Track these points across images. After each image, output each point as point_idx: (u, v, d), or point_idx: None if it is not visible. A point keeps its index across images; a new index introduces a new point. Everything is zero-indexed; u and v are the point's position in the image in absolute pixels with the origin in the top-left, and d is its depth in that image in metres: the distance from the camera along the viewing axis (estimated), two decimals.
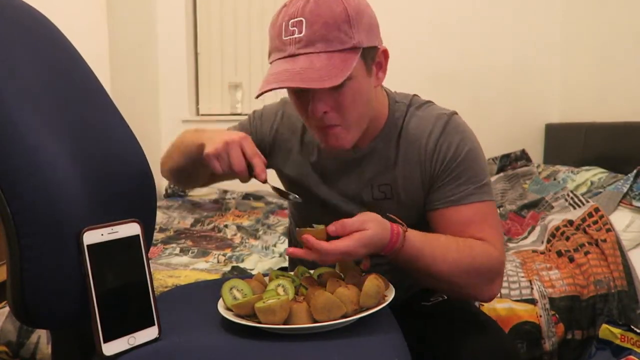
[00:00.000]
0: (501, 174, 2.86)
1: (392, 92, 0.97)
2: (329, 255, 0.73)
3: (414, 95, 0.97)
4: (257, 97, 0.79)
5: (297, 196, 0.85)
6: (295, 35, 0.77)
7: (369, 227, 0.74)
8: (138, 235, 0.70)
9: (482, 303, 1.37)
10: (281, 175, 1.06)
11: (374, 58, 0.84)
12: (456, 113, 0.94)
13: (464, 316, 0.91)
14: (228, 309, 0.76)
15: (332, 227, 0.75)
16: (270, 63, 0.82)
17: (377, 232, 0.75)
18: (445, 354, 0.81)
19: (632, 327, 1.28)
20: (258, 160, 0.80)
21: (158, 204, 0.94)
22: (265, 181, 0.81)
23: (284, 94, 0.93)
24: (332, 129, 0.84)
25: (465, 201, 0.87)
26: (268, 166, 0.99)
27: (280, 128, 1.03)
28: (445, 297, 1.01)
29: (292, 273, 0.87)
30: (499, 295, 1.44)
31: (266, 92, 0.78)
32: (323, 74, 0.75)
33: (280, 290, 0.78)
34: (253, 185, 1.84)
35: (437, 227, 0.90)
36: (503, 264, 0.87)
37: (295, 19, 0.77)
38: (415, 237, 0.80)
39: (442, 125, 0.90)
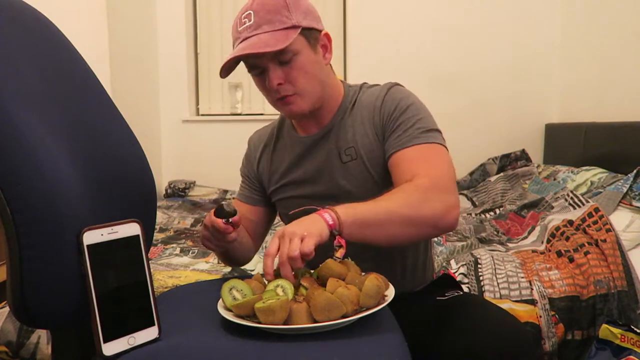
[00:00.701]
0: (501, 174, 2.86)
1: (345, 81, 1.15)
2: (271, 249, 0.78)
3: (364, 82, 1.13)
4: (221, 73, 0.96)
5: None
6: (247, 24, 0.95)
7: (276, 234, 0.80)
8: (138, 235, 0.70)
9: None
10: (279, 185, 1.14)
11: (317, 39, 1.00)
12: (399, 84, 1.08)
13: (480, 309, 0.91)
14: (228, 309, 0.76)
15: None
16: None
17: (299, 220, 0.81)
18: (465, 346, 0.81)
19: (632, 327, 1.28)
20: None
21: (158, 204, 0.94)
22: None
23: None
24: (289, 98, 0.98)
25: (410, 143, 0.97)
26: (271, 190, 1.15)
27: (254, 155, 1.19)
28: (461, 292, 1.03)
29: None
30: (498, 295, 1.45)
31: (226, 64, 0.95)
32: (268, 43, 0.92)
33: (279, 291, 0.78)
34: None
35: (393, 176, 0.98)
36: (438, 183, 0.91)
37: (246, 12, 0.96)
38: (345, 206, 0.84)
39: (387, 88, 1.05)
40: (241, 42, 0.95)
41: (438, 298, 1.00)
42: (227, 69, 0.98)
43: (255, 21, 0.94)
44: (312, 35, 0.98)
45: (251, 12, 0.95)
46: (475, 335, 0.81)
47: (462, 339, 0.82)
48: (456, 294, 1.02)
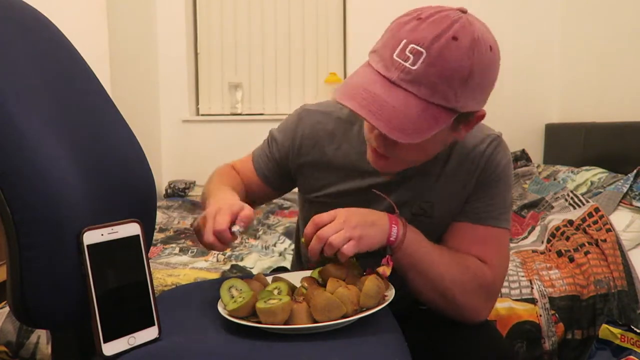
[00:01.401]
0: None
1: None
2: (317, 222, 0.74)
3: None
4: (338, 102, 0.72)
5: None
6: (407, 65, 0.69)
7: (339, 210, 0.75)
8: (138, 235, 0.70)
9: None
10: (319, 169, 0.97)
11: (468, 120, 0.78)
12: (501, 134, 0.93)
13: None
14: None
15: (308, 228, 0.76)
16: (369, 63, 0.75)
17: (354, 209, 0.76)
18: (442, 355, 0.81)
19: (632, 327, 1.28)
20: (243, 215, 0.76)
21: (158, 204, 0.94)
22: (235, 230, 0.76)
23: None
24: (384, 158, 0.81)
25: (484, 222, 0.87)
26: (297, 171, 0.99)
27: (302, 142, 0.98)
28: None
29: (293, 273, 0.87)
30: (499, 295, 1.45)
31: (347, 106, 0.71)
32: (407, 125, 0.69)
33: (276, 292, 0.78)
34: None
35: (453, 237, 0.88)
36: (496, 286, 0.86)
37: (417, 47, 0.68)
38: (414, 230, 0.80)
39: (495, 145, 0.89)
40: (383, 77, 0.71)
41: (420, 307, 0.97)
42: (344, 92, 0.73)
43: (417, 70, 0.68)
44: (465, 117, 0.76)
45: (423, 52, 0.68)
46: (457, 344, 0.81)
47: (441, 347, 0.82)
48: None
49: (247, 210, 0.76)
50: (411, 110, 0.69)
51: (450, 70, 0.68)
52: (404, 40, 0.69)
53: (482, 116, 0.79)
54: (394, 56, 0.70)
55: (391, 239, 0.78)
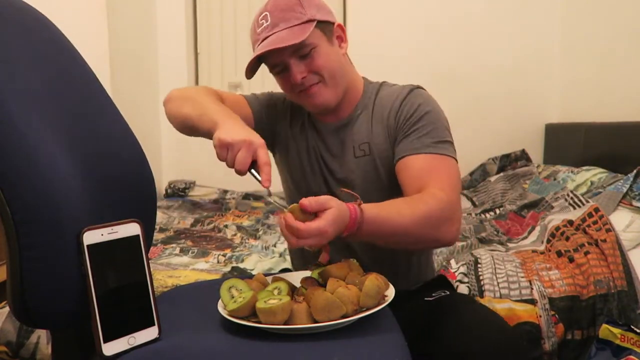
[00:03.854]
0: (501, 174, 2.86)
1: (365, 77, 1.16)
2: (303, 234, 0.75)
3: (384, 81, 1.15)
4: (247, 74, 1.00)
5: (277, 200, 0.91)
6: (264, 25, 0.98)
7: (331, 204, 0.78)
8: (138, 235, 0.70)
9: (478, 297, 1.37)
10: (283, 158, 1.17)
11: (332, 31, 1.04)
12: (421, 87, 1.09)
13: (467, 310, 0.92)
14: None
15: (306, 201, 0.77)
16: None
17: (340, 208, 0.79)
18: (451, 347, 0.81)
19: (632, 327, 1.28)
20: (268, 169, 0.85)
21: (158, 204, 0.94)
22: (268, 188, 0.86)
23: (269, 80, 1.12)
24: (313, 88, 1.00)
25: (422, 151, 0.98)
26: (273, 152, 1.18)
27: (276, 109, 1.18)
28: (448, 293, 1.04)
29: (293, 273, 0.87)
30: (498, 294, 1.45)
31: (249, 66, 0.99)
32: (286, 39, 0.95)
33: (276, 292, 0.78)
34: (253, 186, 1.84)
35: (399, 178, 1.00)
36: (454, 205, 0.94)
37: (262, 14, 0.99)
38: (370, 206, 0.84)
39: (407, 91, 1.06)
40: (261, 42, 0.98)
41: (426, 299, 1.01)
42: (251, 70, 1.01)
43: (271, 21, 0.98)
44: (327, 27, 1.02)
45: (267, 13, 0.98)
46: (461, 335, 0.82)
47: (448, 339, 0.83)
48: (443, 294, 1.03)
49: (265, 155, 0.85)
50: (282, 34, 0.96)
51: (285, 6, 0.98)
52: (255, 22, 1.01)
53: (341, 26, 1.07)
54: (257, 30, 1.00)
55: (343, 235, 0.81)
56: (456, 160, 1.01)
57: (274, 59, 1.00)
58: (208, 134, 0.93)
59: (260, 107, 1.15)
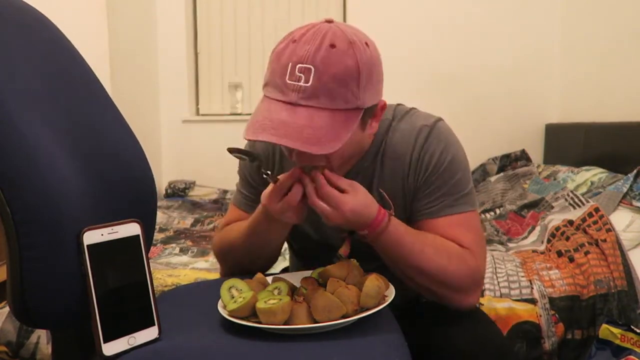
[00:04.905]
0: (501, 174, 2.86)
1: None
2: (323, 193, 0.74)
3: (397, 105, 0.96)
4: (250, 140, 0.82)
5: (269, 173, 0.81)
6: (301, 83, 0.73)
7: (359, 189, 0.76)
8: (138, 235, 0.70)
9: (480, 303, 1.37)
10: None
11: (373, 113, 0.82)
12: (440, 119, 0.92)
13: (455, 311, 0.91)
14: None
15: (333, 175, 0.76)
16: (265, 96, 0.78)
17: (371, 201, 0.77)
18: (437, 345, 0.82)
19: (632, 327, 1.28)
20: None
21: (158, 204, 0.94)
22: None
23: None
24: (315, 170, 0.81)
25: (442, 213, 0.87)
26: None
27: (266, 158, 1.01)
28: None
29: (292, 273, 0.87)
30: (499, 294, 1.45)
31: (260, 140, 0.74)
32: (322, 136, 0.72)
33: (276, 293, 0.78)
34: None
35: None
36: (481, 273, 0.87)
37: (304, 65, 0.73)
38: (399, 224, 0.82)
39: (424, 137, 0.89)
40: (285, 102, 0.74)
41: (424, 301, 0.99)
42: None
43: (312, 86, 0.72)
44: (370, 111, 0.80)
45: (311, 68, 0.72)
46: (459, 335, 0.81)
47: (436, 338, 0.83)
48: None
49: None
50: (319, 121, 0.73)
51: (339, 74, 0.73)
52: (290, 63, 0.73)
53: (384, 106, 0.83)
54: (287, 80, 0.73)
55: (360, 232, 0.80)
56: (477, 210, 0.90)
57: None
58: (270, 227, 0.87)
59: (249, 201, 1.01)
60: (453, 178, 0.87)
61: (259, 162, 0.83)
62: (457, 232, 0.86)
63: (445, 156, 0.87)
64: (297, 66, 0.73)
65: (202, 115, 3.57)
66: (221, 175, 3.31)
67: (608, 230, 1.59)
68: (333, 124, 0.73)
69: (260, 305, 0.70)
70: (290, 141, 0.72)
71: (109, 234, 0.67)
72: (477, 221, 0.90)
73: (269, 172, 0.78)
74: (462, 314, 0.87)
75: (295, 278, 0.85)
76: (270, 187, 0.80)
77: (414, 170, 0.89)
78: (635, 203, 1.79)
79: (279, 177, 0.80)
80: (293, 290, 0.79)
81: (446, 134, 0.90)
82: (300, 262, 1.12)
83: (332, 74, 0.72)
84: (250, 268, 0.93)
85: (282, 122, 0.73)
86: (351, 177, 0.88)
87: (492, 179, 2.86)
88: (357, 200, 0.76)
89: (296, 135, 0.72)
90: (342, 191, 0.78)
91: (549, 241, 1.75)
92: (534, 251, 1.74)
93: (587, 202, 1.85)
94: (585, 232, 1.65)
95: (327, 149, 0.72)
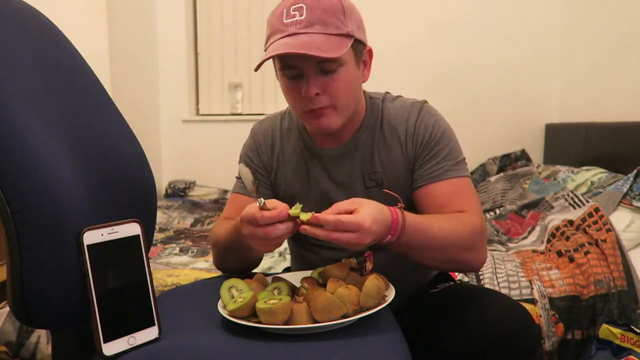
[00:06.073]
0: (501, 174, 2.86)
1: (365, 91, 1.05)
2: (340, 225, 0.71)
3: (385, 92, 1.06)
4: (258, 67, 0.86)
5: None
6: (297, 18, 0.85)
7: (363, 202, 0.75)
8: (138, 235, 0.70)
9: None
10: (283, 189, 1.05)
11: (362, 53, 0.93)
12: (427, 101, 1.01)
13: (474, 292, 0.92)
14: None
15: (323, 214, 0.73)
16: (268, 45, 0.88)
17: (378, 206, 0.76)
18: (459, 327, 0.82)
19: (632, 327, 1.28)
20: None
21: (158, 204, 0.94)
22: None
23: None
24: (322, 110, 0.90)
25: (444, 176, 0.94)
26: (273, 183, 1.06)
27: (264, 146, 1.06)
28: (452, 283, 1.04)
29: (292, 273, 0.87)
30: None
31: (269, 58, 0.85)
32: (322, 47, 0.83)
33: (276, 293, 0.78)
34: None
35: (422, 205, 0.95)
36: (484, 232, 0.92)
37: (297, 5, 0.86)
38: (410, 214, 0.83)
39: (417, 111, 0.98)
40: (286, 36, 0.85)
41: (431, 291, 1.00)
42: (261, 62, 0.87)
43: (307, 17, 0.84)
44: (359, 48, 0.91)
45: (303, 5, 0.85)
46: (476, 321, 0.81)
47: (462, 327, 0.82)
48: (447, 285, 1.02)
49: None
50: (318, 39, 0.84)
51: (327, 7, 0.85)
52: (284, 9, 0.87)
53: (371, 51, 0.96)
54: (284, 21, 0.86)
55: (385, 240, 0.79)
56: (469, 176, 0.97)
57: (292, 61, 0.87)
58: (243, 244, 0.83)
59: (251, 179, 1.02)
60: (449, 145, 0.96)
61: (257, 183, 0.82)
62: (460, 196, 0.93)
63: (438, 127, 0.96)
64: (291, 7, 0.86)
65: (202, 115, 3.57)
66: (221, 175, 3.31)
67: (608, 230, 1.59)
68: (330, 41, 0.85)
69: (260, 305, 0.70)
70: (296, 50, 0.82)
71: (109, 234, 0.67)
72: (472, 185, 0.98)
73: (262, 199, 0.75)
74: (479, 296, 0.88)
75: (295, 278, 0.85)
76: (254, 207, 0.75)
77: (411, 139, 0.97)
78: (635, 203, 1.79)
79: (265, 201, 0.76)
80: (293, 290, 0.79)
81: (435, 111, 1.00)
82: (301, 262, 1.12)
83: (322, 8, 0.85)
84: (233, 266, 0.99)
85: (287, 44, 0.84)
86: (350, 149, 0.99)
87: (492, 179, 2.86)
88: (370, 209, 0.74)
89: (301, 46, 0.83)
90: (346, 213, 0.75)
91: (549, 241, 1.75)
92: (534, 251, 1.74)
93: (587, 202, 1.85)
94: (585, 232, 1.65)
95: (330, 54, 0.83)
